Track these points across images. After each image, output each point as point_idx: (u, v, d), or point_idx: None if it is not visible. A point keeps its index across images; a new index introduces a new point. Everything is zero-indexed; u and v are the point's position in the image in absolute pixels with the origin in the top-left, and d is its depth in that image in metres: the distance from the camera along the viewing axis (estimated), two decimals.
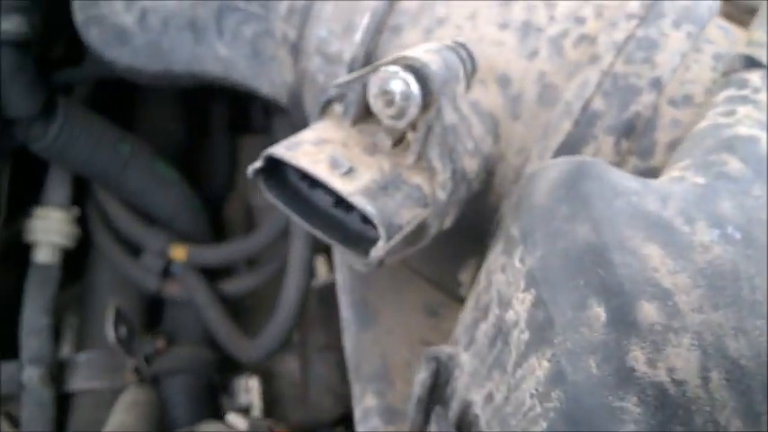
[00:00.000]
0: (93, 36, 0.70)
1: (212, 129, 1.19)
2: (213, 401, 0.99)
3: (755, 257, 0.33)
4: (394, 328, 0.58)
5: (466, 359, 0.42)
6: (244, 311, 1.06)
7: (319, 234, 0.44)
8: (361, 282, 0.61)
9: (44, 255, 0.97)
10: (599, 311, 0.30)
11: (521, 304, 0.34)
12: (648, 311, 0.30)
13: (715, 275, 0.32)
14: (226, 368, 1.01)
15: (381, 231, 0.40)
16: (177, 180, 1.04)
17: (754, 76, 0.46)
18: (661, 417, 0.28)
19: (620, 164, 0.46)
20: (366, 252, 0.41)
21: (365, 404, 0.54)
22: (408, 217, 0.43)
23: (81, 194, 1.02)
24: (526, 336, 0.33)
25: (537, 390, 0.32)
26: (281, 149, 0.43)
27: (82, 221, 1.01)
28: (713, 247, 0.33)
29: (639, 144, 0.46)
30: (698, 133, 0.42)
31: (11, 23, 0.81)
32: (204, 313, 0.97)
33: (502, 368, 0.36)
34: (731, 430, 0.28)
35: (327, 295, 1.08)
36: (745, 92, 0.45)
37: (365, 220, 0.43)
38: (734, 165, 0.38)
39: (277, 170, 0.46)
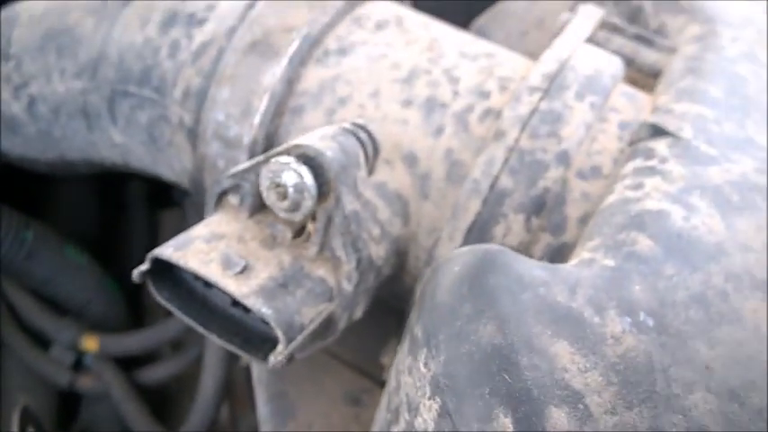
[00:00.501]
0: None
1: (129, 204, 1.13)
2: None
3: (669, 345, 0.32)
4: (314, 421, 0.54)
5: None
6: (168, 396, 0.99)
7: (215, 339, 0.40)
8: (277, 374, 0.57)
9: None
10: (506, 422, 0.27)
11: (428, 412, 0.31)
12: (558, 418, 0.27)
13: (628, 370, 0.30)
14: None
15: (280, 334, 0.37)
16: (88, 265, 0.98)
17: (661, 145, 0.45)
18: None
19: (531, 242, 0.45)
20: (266, 356, 0.38)
21: None
22: (312, 314, 0.40)
23: None
24: None
25: None
26: (168, 250, 0.39)
27: None
28: (625, 338, 0.31)
29: (550, 220, 0.45)
30: (607, 209, 0.41)
31: None
32: (120, 407, 0.90)
33: None
34: None
35: None
36: (652, 162, 0.44)
37: (265, 322, 0.40)
38: (643, 243, 0.37)
39: (169, 269, 0.42)
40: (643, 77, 0.61)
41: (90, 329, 0.94)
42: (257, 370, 0.58)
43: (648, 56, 0.59)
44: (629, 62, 0.56)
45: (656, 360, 0.31)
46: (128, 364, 0.95)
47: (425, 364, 0.31)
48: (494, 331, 0.30)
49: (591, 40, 0.55)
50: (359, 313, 0.44)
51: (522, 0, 0.69)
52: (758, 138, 0.48)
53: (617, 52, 0.56)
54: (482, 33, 0.69)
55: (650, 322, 0.32)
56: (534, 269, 0.34)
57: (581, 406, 0.28)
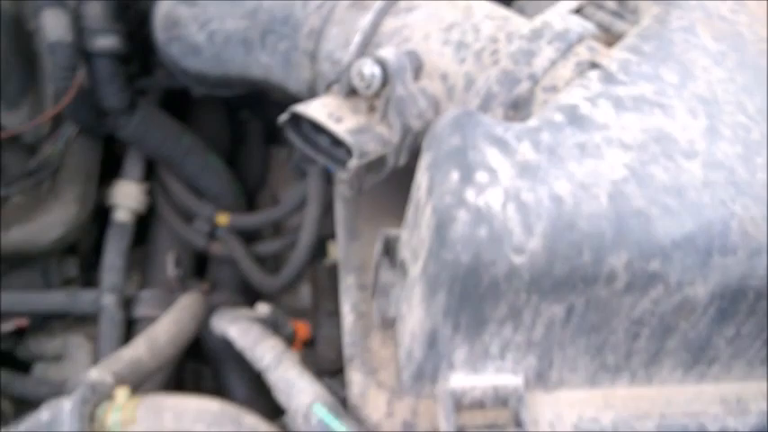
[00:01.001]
0: (173, 50, 1.02)
1: (250, 139, 1.50)
2: None
3: (552, 159, 0.61)
4: (370, 241, 0.86)
5: (405, 235, 0.70)
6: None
7: (320, 159, 0.73)
8: (350, 213, 0.90)
9: (122, 215, 1.28)
10: (455, 175, 0.58)
11: (423, 191, 0.62)
12: (492, 155, 0.58)
13: (524, 166, 0.60)
14: None
15: (355, 152, 0.69)
16: (224, 169, 1.35)
17: (594, 74, 0.74)
18: None
19: None
20: (344, 166, 0.70)
21: (347, 283, 0.82)
22: (372, 149, 0.71)
23: (150, 173, 1.34)
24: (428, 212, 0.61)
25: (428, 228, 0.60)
26: (300, 107, 0.72)
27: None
28: (529, 154, 0.61)
29: (520, 114, 0.75)
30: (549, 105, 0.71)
31: (108, 41, 1.12)
32: (240, 263, 1.26)
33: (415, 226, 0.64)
34: None
35: (335, 272, 1.36)
36: (584, 82, 0.73)
37: (349, 152, 0.72)
38: (557, 116, 0.67)
39: (297, 123, 0.75)
40: (615, 40, 0.89)
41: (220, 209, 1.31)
42: (339, 212, 0.90)
43: (620, 26, 0.86)
44: (607, 30, 0.84)
45: (541, 161, 0.61)
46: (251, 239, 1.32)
47: (424, 169, 0.62)
48: (458, 140, 0.60)
49: (579, 11, 0.83)
50: (402, 160, 0.76)
51: None
52: (666, 76, 0.75)
53: (599, 22, 0.84)
54: (520, 10, 0.98)
55: (545, 151, 0.62)
56: (490, 120, 0.64)
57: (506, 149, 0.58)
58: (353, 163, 0.69)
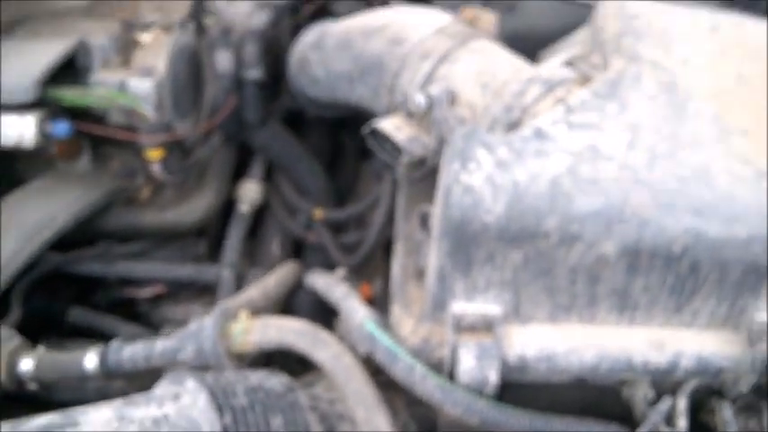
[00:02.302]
0: (301, 81, 1.57)
1: (346, 153, 2.03)
2: None
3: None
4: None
5: (434, 210, 1.18)
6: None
7: (385, 157, 1.22)
8: (404, 199, 1.38)
9: (244, 207, 1.83)
10: (456, 164, 1.06)
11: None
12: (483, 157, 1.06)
13: (499, 163, 1.06)
14: None
15: (404, 152, 1.18)
16: (324, 175, 1.87)
17: (559, 107, 1.19)
18: None
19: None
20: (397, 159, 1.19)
21: (397, 247, 1.30)
22: (417, 150, 1.20)
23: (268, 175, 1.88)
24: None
25: None
26: (376, 122, 1.22)
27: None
28: (501, 152, 1.07)
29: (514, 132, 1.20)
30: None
31: (256, 72, 1.69)
32: (328, 249, 1.76)
33: None
34: None
35: None
36: (552, 112, 1.18)
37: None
38: (527, 132, 1.12)
39: (375, 133, 1.25)
40: None
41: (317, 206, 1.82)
42: (399, 198, 1.39)
43: (595, 74, 1.29)
44: (586, 77, 1.27)
45: (510, 158, 1.06)
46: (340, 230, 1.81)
47: (443, 161, 1.09)
48: (461, 143, 1.06)
49: (570, 63, 1.28)
50: (435, 160, 1.23)
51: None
52: (608, 109, 1.13)
53: (582, 71, 1.26)
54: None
55: (514, 152, 1.07)
56: (483, 133, 1.09)
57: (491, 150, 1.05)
58: (404, 158, 1.18)
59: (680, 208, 1.03)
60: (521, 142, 1.07)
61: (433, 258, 1.09)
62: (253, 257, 1.84)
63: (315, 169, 1.83)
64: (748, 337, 1.09)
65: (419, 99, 1.18)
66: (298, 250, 1.86)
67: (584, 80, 1.21)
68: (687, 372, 1.11)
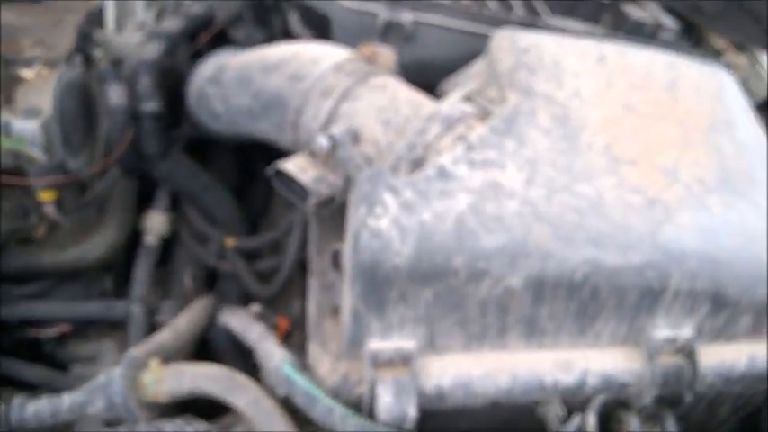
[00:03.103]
0: (201, 115, 1.54)
1: (256, 175, 2.00)
2: None
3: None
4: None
5: (345, 248, 1.19)
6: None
7: (292, 197, 1.22)
8: (315, 235, 1.38)
9: (151, 239, 1.78)
10: (363, 209, 1.07)
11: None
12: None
13: (405, 206, 1.08)
14: None
15: (312, 194, 1.18)
16: (233, 201, 1.85)
17: (460, 145, 1.22)
18: None
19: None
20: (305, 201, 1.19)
21: (312, 284, 1.30)
22: (325, 191, 1.20)
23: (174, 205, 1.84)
24: None
25: None
26: (281, 164, 1.21)
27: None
28: (408, 196, 1.09)
29: (417, 169, 1.23)
30: None
31: (152, 105, 1.64)
32: (242, 278, 1.74)
33: None
34: None
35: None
36: (454, 150, 1.21)
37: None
38: (431, 172, 1.14)
39: (280, 173, 1.24)
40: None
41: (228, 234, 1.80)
42: (311, 232, 1.39)
43: (492, 109, 1.33)
44: (484, 112, 1.30)
45: (416, 200, 1.09)
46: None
47: (350, 203, 1.10)
48: (367, 187, 1.08)
49: (469, 98, 1.31)
50: (342, 198, 1.24)
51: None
52: (507, 145, 1.22)
53: (481, 106, 1.29)
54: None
55: (418, 194, 1.10)
56: (389, 175, 1.11)
57: (396, 193, 1.06)
58: (312, 200, 1.18)
59: (578, 240, 1.08)
60: (425, 183, 1.10)
61: (347, 299, 1.11)
62: (164, 289, 1.79)
63: (223, 197, 1.80)
64: (648, 353, 1.15)
65: (321, 141, 1.19)
66: (211, 279, 1.83)
67: (483, 115, 1.24)
68: (594, 389, 1.17)
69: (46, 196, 1.49)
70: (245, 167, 1.97)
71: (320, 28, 1.64)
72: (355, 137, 1.23)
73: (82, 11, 1.71)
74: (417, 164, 1.18)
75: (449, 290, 1.08)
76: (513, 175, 1.12)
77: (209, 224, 1.79)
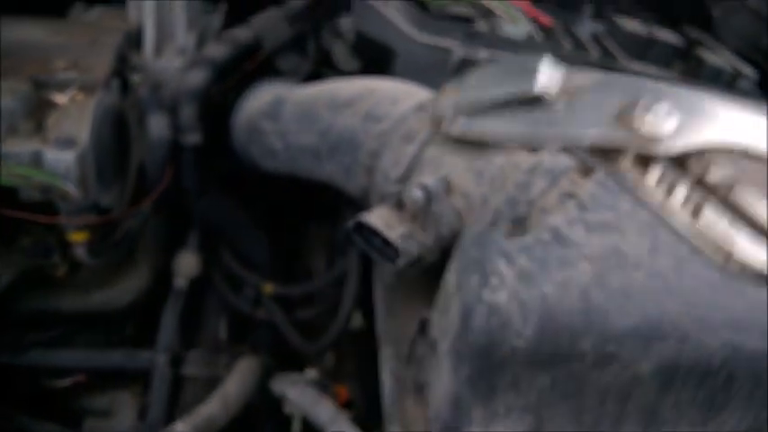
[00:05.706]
0: (252, 151, 1.39)
1: (285, 215, 1.85)
2: None
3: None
4: (406, 321, 1.19)
5: (435, 317, 1.04)
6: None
7: (373, 255, 1.07)
8: (390, 296, 1.23)
9: (181, 281, 1.62)
10: (475, 279, 0.93)
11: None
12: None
13: (522, 276, 0.94)
14: None
15: (403, 255, 1.03)
16: (269, 245, 1.69)
17: (571, 203, 1.09)
18: None
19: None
20: (393, 262, 1.04)
21: (386, 353, 1.15)
22: (416, 251, 1.05)
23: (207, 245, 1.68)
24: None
25: None
26: (364, 217, 1.07)
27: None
28: (525, 264, 0.95)
29: (519, 228, 1.09)
30: None
31: (195, 137, 1.49)
32: (281, 328, 1.59)
33: None
34: None
35: (357, 338, 1.67)
36: (565, 209, 1.08)
37: (397, 251, 1.06)
38: (545, 236, 1.01)
39: (359, 227, 1.09)
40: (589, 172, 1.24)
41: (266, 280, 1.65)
42: (378, 290, 1.24)
43: (591, 162, 1.20)
44: (590, 168, 1.18)
45: (534, 269, 0.95)
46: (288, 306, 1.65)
47: (453, 271, 0.96)
48: (477, 253, 0.94)
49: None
50: (433, 259, 1.10)
51: None
52: (621, 205, 1.09)
53: (582, 160, 1.17)
54: None
55: (536, 261, 0.96)
56: (500, 238, 0.98)
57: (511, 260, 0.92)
58: (402, 261, 1.03)
59: (716, 320, 0.94)
60: (541, 249, 0.96)
61: (446, 382, 0.97)
62: (191, 337, 1.63)
63: (260, 238, 1.65)
64: None
65: (416, 194, 1.05)
66: (241, 327, 1.67)
67: (586, 170, 1.10)
68: None
69: (78, 237, 1.32)
70: (274, 203, 1.82)
71: (376, 61, 1.51)
72: (448, 188, 1.08)
73: (117, 31, 1.54)
74: (520, 222, 1.04)
75: (569, 376, 0.94)
76: (634, 240, 0.99)
77: (244, 267, 1.63)
